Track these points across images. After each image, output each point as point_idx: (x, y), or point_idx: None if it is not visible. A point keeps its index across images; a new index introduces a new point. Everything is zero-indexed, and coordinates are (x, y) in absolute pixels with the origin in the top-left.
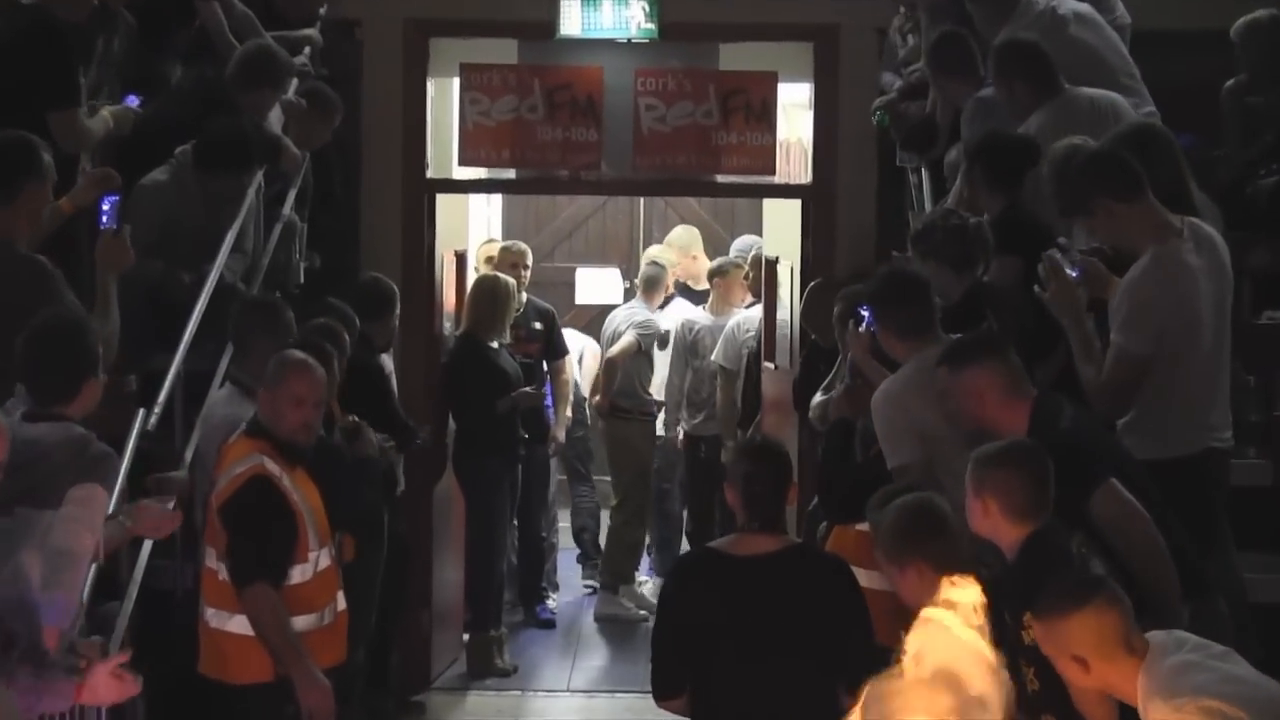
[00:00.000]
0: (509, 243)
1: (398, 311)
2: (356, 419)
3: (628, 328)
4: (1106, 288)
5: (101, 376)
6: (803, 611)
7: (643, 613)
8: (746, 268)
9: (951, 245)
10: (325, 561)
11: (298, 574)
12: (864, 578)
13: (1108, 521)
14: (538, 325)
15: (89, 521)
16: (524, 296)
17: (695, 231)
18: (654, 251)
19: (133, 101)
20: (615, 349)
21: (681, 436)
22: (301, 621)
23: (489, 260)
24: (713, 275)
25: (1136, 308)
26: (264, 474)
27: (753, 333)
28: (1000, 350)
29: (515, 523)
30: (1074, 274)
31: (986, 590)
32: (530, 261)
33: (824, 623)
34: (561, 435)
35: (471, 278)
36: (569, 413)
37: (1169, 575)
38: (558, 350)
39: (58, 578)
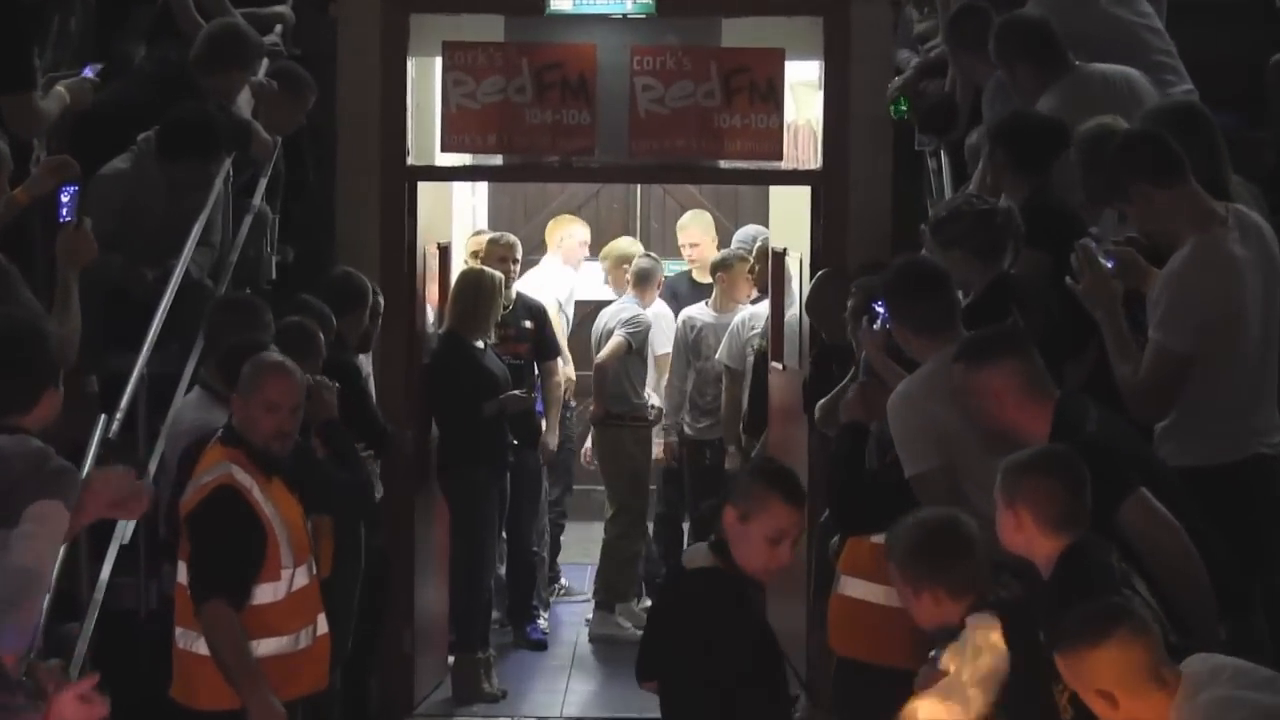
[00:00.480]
0: (497, 234)
1: (372, 307)
2: (314, 378)
3: (616, 325)
4: (1143, 279)
5: (60, 388)
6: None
7: (638, 632)
8: (752, 260)
9: (979, 233)
10: (302, 580)
11: (268, 593)
12: (880, 594)
13: (1138, 533)
14: (527, 323)
15: (49, 539)
16: (513, 292)
17: (708, 216)
18: (623, 245)
19: (89, 73)
20: (604, 353)
21: (662, 445)
22: (271, 644)
23: (476, 254)
24: (716, 269)
25: (1177, 302)
26: (232, 484)
27: (758, 330)
28: (1021, 347)
29: (504, 535)
30: (1109, 264)
31: (1016, 611)
32: (520, 255)
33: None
34: (553, 442)
35: (456, 272)
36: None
37: (1203, 591)
38: (549, 350)
39: (17, 599)
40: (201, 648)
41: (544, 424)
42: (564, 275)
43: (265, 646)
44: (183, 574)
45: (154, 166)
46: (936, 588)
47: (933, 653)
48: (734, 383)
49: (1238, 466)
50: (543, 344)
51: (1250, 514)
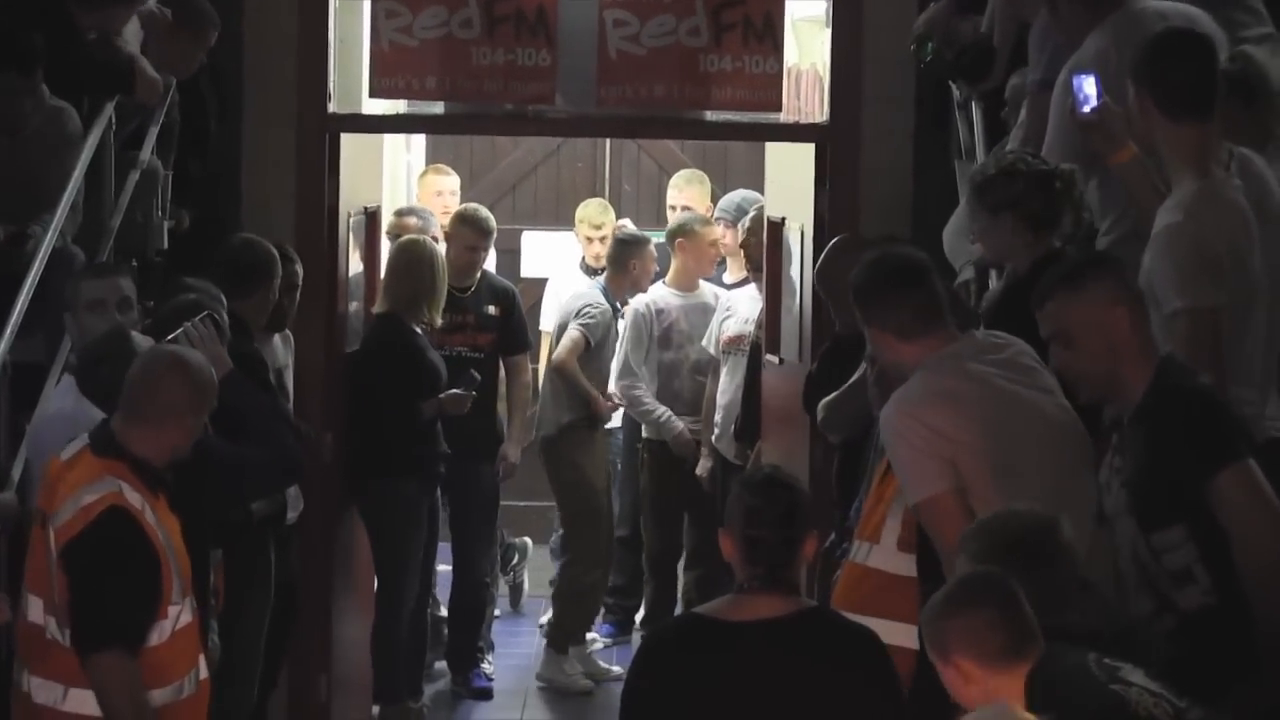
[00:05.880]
0: (468, 208)
1: (287, 279)
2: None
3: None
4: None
5: None
6: (817, 695)
7: (587, 682)
8: (719, 229)
9: (1035, 196)
10: (187, 617)
11: (154, 635)
12: (889, 631)
13: (1231, 510)
14: (492, 309)
15: None
16: (478, 272)
17: (705, 177)
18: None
19: None
20: (559, 351)
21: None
22: (156, 696)
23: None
24: (674, 236)
25: (1188, 255)
26: (123, 505)
27: (735, 316)
28: (1122, 272)
29: (452, 565)
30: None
31: None
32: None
33: (844, 709)
34: (515, 453)
35: (386, 242)
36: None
37: None
38: (517, 343)
39: None
40: (69, 704)
41: (506, 431)
42: None
43: (151, 699)
44: (35, 610)
45: None
46: (959, 656)
47: None
48: (713, 376)
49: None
50: (510, 334)
51: None
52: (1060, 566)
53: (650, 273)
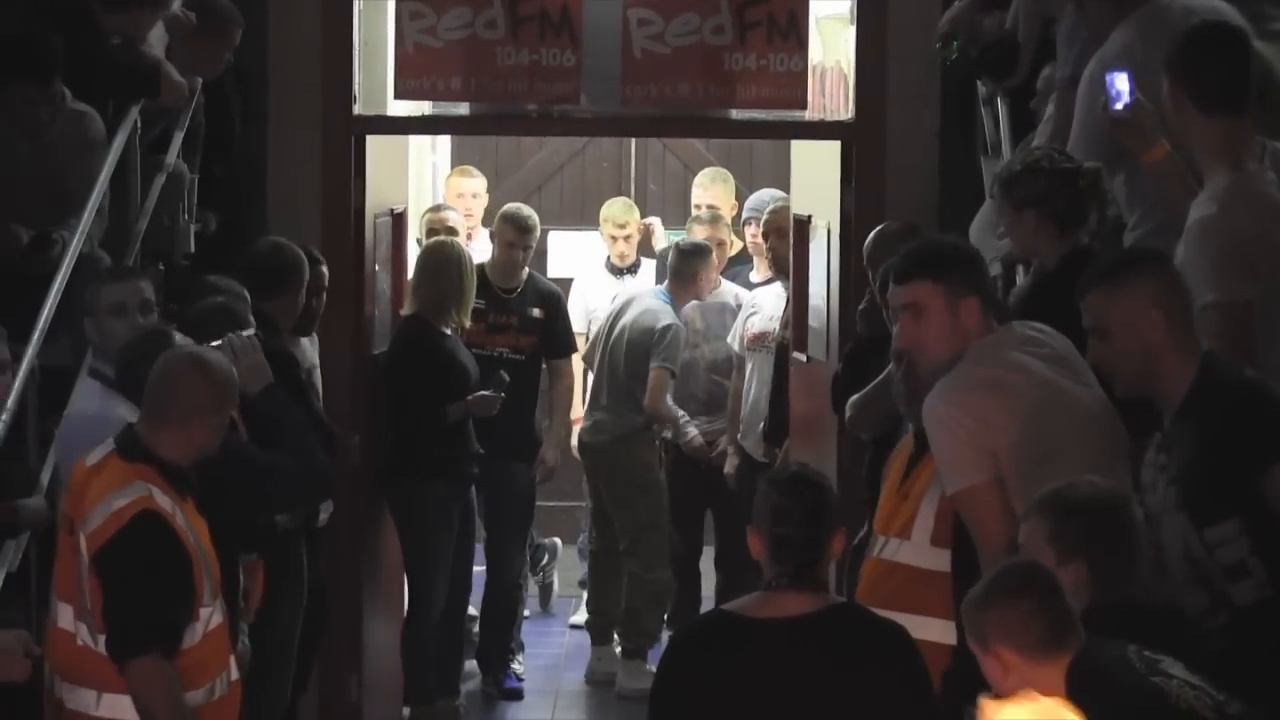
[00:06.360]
0: (513, 208)
1: (314, 281)
2: (237, 335)
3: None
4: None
5: None
6: (846, 691)
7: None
8: (750, 227)
9: (1058, 194)
10: (218, 619)
11: (187, 637)
12: (920, 626)
13: None
14: (536, 312)
15: None
16: (524, 273)
17: (730, 177)
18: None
19: None
20: (650, 396)
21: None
22: (189, 698)
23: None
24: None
25: (1221, 249)
26: (154, 509)
27: (760, 313)
28: (1165, 268)
29: (485, 565)
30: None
31: None
32: (535, 228)
33: (874, 705)
34: (554, 456)
35: (413, 244)
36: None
37: None
38: (561, 346)
39: None
40: (103, 710)
41: (544, 434)
42: None
43: None
44: (65, 616)
45: None
46: (999, 645)
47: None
48: (739, 373)
49: None
50: (553, 337)
51: None
52: (1128, 543)
53: (712, 281)
